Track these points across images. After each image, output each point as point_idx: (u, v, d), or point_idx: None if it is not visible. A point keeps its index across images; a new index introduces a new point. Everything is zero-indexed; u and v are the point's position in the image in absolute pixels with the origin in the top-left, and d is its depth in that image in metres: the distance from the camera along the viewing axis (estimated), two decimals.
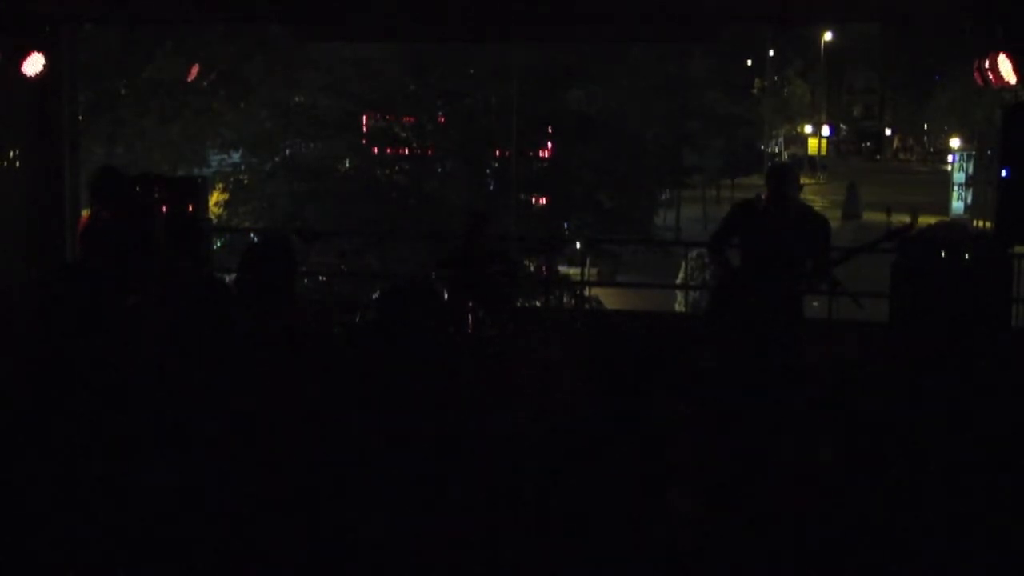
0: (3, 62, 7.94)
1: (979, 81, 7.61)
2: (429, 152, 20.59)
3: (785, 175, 6.27)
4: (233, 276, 4.42)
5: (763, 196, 6.28)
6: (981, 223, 30.44)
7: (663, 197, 31.93)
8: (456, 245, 8.11)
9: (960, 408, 6.22)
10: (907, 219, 7.72)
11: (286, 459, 3.69)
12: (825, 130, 60.91)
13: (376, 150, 20.66)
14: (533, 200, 21.36)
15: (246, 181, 20.38)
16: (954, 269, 7.54)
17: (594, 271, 24.68)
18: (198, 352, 3.89)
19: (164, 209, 8.59)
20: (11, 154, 8.60)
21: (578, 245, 21.08)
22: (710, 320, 6.60)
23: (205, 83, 18.68)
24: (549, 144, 21.09)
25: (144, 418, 3.87)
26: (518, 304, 10.74)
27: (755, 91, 45.44)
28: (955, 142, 45.05)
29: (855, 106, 67.68)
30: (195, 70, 9.76)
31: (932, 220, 21.02)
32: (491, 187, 20.80)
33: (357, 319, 7.93)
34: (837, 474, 5.47)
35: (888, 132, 65.58)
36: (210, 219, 9.67)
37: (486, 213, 8.30)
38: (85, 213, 8.66)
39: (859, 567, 4.55)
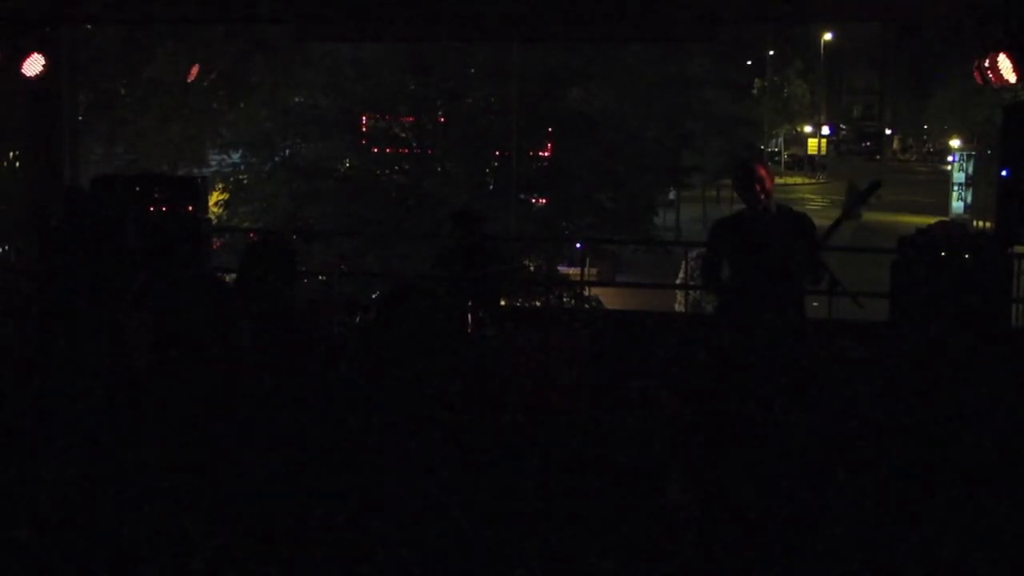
0: (3, 62, 7.95)
1: (979, 80, 7.61)
2: (429, 152, 20.58)
3: (753, 171, 5.75)
4: (233, 276, 4.42)
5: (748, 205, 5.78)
6: (981, 223, 30.47)
7: (669, 196, 31.93)
8: (453, 245, 8.06)
9: (960, 408, 6.22)
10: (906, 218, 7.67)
11: (285, 459, 3.69)
12: (825, 130, 60.93)
13: (376, 150, 20.64)
14: (533, 200, 21.34)
15: (246, 181, 20.36)
16: (954, 269, 7.53)
17: (594, 271, 24.70)
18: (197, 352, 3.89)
19: (164, 209, 8.60)
20: (11, 154, 8.61)
21: (578, 245, 21.06)
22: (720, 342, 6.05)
23: (205, 83, 18.75)
24: (549, 144, 21.08)
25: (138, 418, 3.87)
26: (517, 304, 10.73)
27: (755, 91, 45.50)
28: (955, 142, 45.12)
29: (855, 106, 67.72)
30: (195, 70, 9.77)
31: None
32: (491, 187, 20.78)
33: (357, 319, 7.91)
34: (838, 473, 5.47)
35: (888, 132, 65.60)
36: (210, 219, 9.67)
37: (477, 213, 8.19)
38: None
39: (860, 566, 4.55)
